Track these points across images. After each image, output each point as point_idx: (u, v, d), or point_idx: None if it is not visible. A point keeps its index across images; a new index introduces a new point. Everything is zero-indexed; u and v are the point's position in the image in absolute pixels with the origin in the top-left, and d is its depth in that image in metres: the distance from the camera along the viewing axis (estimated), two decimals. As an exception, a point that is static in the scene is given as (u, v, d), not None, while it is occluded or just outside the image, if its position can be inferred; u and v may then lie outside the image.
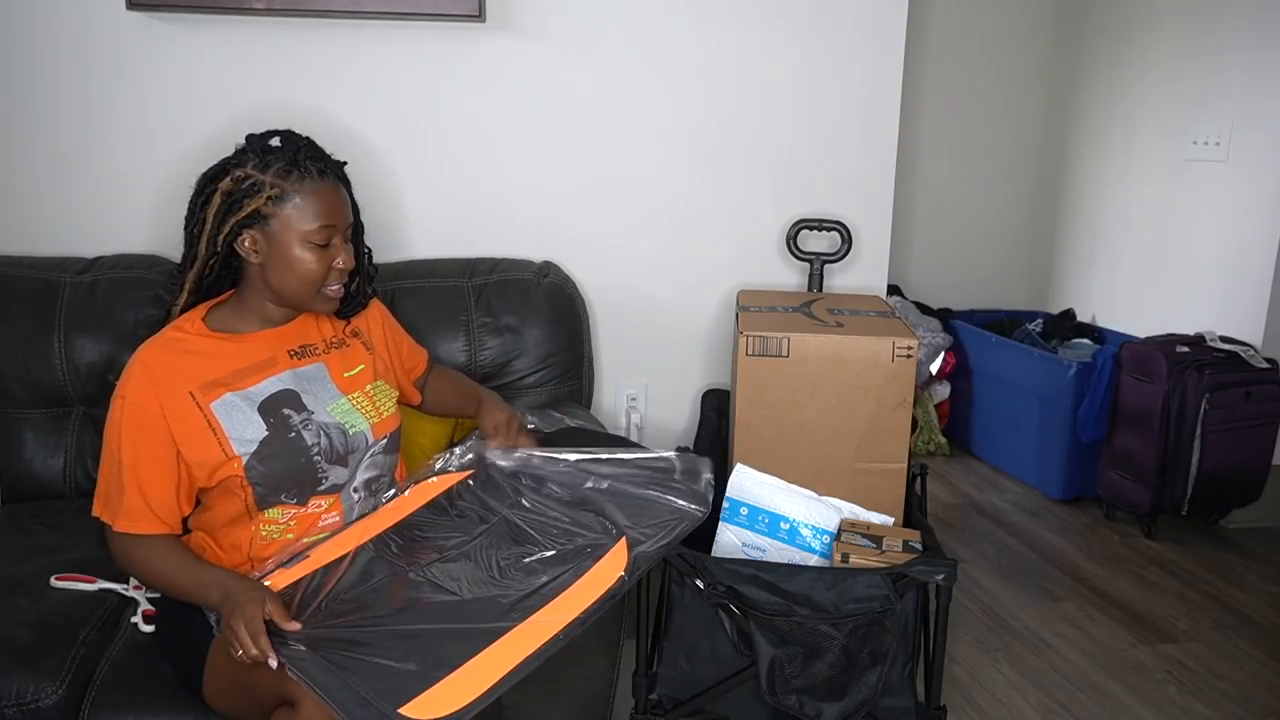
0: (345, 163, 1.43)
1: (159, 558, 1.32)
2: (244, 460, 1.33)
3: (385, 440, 1.48)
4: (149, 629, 1.46)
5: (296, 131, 1.40)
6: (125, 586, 1.54)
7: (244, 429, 1.34)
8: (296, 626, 1.20)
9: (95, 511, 1.35)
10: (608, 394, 2.25)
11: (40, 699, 1.34)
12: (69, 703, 1.36)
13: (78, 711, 1.36)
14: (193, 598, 1.29)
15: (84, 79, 1.99)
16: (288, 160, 1.33)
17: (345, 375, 1.47)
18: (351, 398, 1.46)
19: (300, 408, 1.39)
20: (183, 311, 1.42)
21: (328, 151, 1.40)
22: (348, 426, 1.42)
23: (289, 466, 1.36)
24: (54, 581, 1.53)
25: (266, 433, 1.35)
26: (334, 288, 1.40)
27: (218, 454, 1.33)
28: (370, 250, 1.54)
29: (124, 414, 1.31)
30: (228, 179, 1.34)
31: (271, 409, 1.37)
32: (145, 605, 1.49)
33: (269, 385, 1.38)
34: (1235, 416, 2.78)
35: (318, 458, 1.38)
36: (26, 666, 1.36)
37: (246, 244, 1.35)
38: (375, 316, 1.60)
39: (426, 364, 1.72)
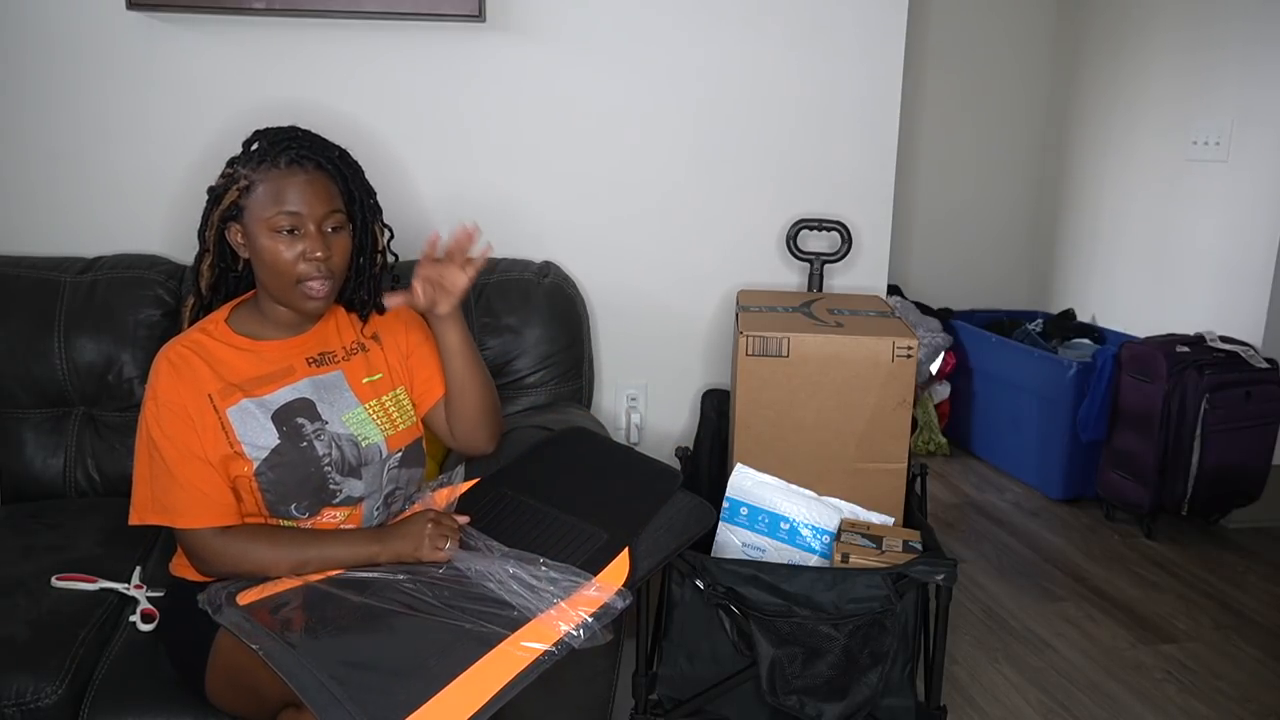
0: (339, 151, 1.40)
1: (260, 543, 1.32)
2: (255, 465, 1.33)
3: (401, 453, 1.46)
4: (147, 628, 1.46)
5: (301, 128, 1.40)
6: (125, 586, 1.54)
7: (257, 435, 1.34)
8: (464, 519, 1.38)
9: (147, 519, 1.33)
10: (608, 394, 2.25)
11: (40, 699, 1.34)
12: (69, 702, 1.36)
13: (77, 711, 1.36)
14: (340, 565, 1.32)
15: (84, 79, 1.99)
16: (262, 151, 1.35)
17: (364, 381, 1.46)
18: (368, 406, 1.44)
19: (314, 417, 1.39)
20: (193, 312, 1.45)
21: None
22: (360, 439, 1.41)
23: (299, 476, 1.36)
24: (54, 581, 1.53)
25: (279, 440, 1.35)
26: (313, 284, 1.34)
27: (229, 456, 1.33)
28: (384, 253, 1.50)
29: (160, 411, 1.31)
30: (220, 176, 1.38)
31: (285, 417, 1.37)
32: (145, 604, 1.49)
33: (285, 394, 1.38)
34: (1235, 416, 2.78)
35: (329, 468, 1.37)
36: (26, 666, 1.36)
37: (239, 238, 1.37)
38: (406, 330, 1.53)
39: (437, 400, 1.55)
